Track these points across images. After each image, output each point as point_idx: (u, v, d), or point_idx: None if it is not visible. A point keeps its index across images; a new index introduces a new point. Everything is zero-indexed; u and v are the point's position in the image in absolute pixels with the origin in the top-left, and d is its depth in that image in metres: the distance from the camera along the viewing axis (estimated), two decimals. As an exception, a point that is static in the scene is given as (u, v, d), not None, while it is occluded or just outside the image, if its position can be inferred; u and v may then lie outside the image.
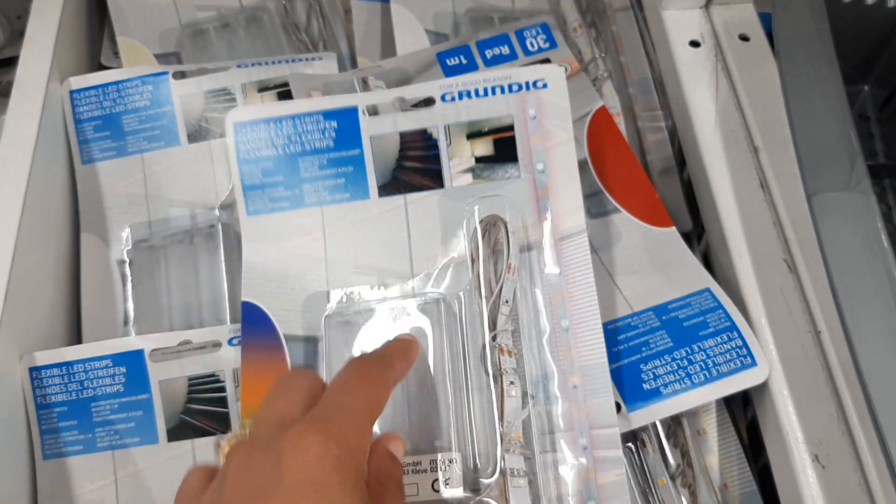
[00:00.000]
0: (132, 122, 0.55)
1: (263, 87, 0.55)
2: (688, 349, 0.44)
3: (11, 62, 0.73)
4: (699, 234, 0.53)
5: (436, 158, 0.46)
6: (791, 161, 0.48)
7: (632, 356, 0.45)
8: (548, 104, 0.46)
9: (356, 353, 0.44)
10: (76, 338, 0.52)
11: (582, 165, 0.50)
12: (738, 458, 0.45)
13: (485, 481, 0.41)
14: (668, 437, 0.45)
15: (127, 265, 0.52)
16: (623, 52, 0.58)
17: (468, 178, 0.46)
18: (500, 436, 0.41)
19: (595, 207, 0.49)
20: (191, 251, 0.52)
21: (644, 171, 0.50)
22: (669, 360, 0.44)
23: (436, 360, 0.43)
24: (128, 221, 0.53)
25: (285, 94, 0.54)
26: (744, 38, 0.53)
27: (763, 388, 0.43)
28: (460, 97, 0.46)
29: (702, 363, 0.44)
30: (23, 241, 0.47)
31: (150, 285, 0.52)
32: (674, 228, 0.48)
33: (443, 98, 0.46)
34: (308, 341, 0.44)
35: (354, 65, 0.59)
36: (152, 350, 0.46)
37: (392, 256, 0.45)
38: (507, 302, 0.43)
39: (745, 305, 0.44)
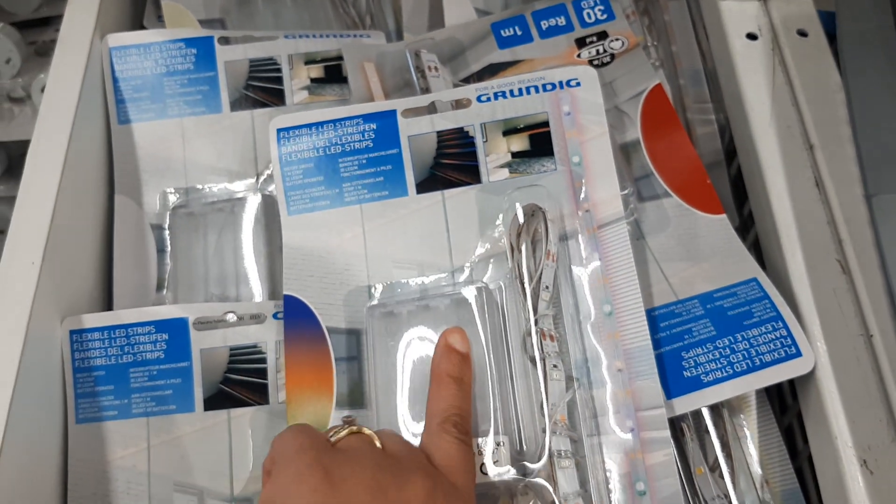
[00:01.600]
0: (173, 85, 0.54)
1: (310, 60, 0.54)
2: (731, 338, 0.44)
3: (47, 22, 0.73)
4: (745, 229, 0.52)
5: (472, 155, 0.47)
6: (847, 160, 0.47)
7: (673, 344, 0.44)
8: (581, 101, 0.47)
9: (401, 345, 0.44)
10: (107, 301, 0.51)
11: (634, 146, 0.50)
12: (780, 455, 0.44)
13: (530, 466, 0.40)
14: (708, 429, 0.44)
15: (164, 230, 0.52)
16: (675, 42, 0.58)
17: (505, 172, 0.46)
18: (547, 418, 0.40)
19: (646, 190, 0.49)
20: (231, 220, 0.51)
21: (697, 155, 0.50)
22: (711, 348, 0.44)
23: (480, 346, 0.43)
24: (164, 186, 0.53)
25: (333, 68, 0.54)
26: (802, 33, 0.52)
27: (812, 387, 0.42)
28: (496, 97, 0.47)
29: (744, 352, 0.43)
30: (62, 201, 0.47)
31: (188, 252, 0.51)
32: (724, 216, 0.48)
33: (479, 99, 0.47)
34: (351, 334, 0.45)
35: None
36: (196, 319, 0.45)
37: (431, 250, 0.46)
38: (547, 288, 0.43)
39: (796, 303, 0.44)
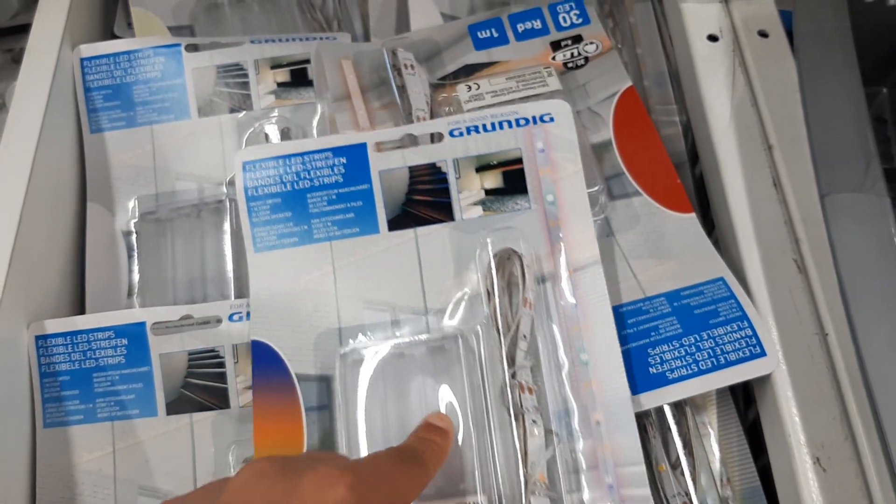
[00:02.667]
0: (142, 93, 0.55)
1: (276, 64, 0.55)
2: (696, 336, 0.44)
3: (24, 29, 0.73)
4: (709, 230, 0.52)
5: (445, 192, 0.46)
6: (805, 160, 0.47)
7: (640, 340, 0.44)
8: (555, 137, 0.46)
9: (375, 395, 0.43)
10: (79, 308, 0.52)
11: (606, 146, 0.50)
12: (741, 454, 0.45)
13: None
14: (671, 426, 0.45)
15: (133, 237, 0.52)
16: (640, 44, 0.58)
17: (478, 210, 0.45)
18: (525, 478, 0.40)
19: (616, 189, 0.49)
20: (197, 225, 0.52)
21: (668, 155, 0.50)
22: (678, 345, 0.44)
23: (456, 399, 0.42)
24: (135, 193, 0.53)
25: (298, 71, 0.54)
26: (763, 34, 0.53)
27: (767, 386, 0.43)
28: (468, 132, 0.46)
29: (710, 350, 0.43)
30: (29, 207, 0.47)
31: (156, 258, 0.52)
32: (693, 215, 0.48)
33: (451, 133, 0.46)
34: (321, 380, 0.43)
35: (368, 45, 0.59)
36: (154, 323, 0.46)
37: (405, 291, 0.44)
38: (524, 337, 0.42)
39: (754, 302, 0.44)
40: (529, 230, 0.45)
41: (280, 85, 0.54)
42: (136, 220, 0.53)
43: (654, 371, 0.43)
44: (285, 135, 0.53)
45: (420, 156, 0.46)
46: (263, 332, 0.44)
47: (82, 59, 0.55)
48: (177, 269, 0.51)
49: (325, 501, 0.29)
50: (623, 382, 0.42)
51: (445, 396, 0.42)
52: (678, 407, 0.45)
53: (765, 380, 0.43)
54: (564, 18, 0.56)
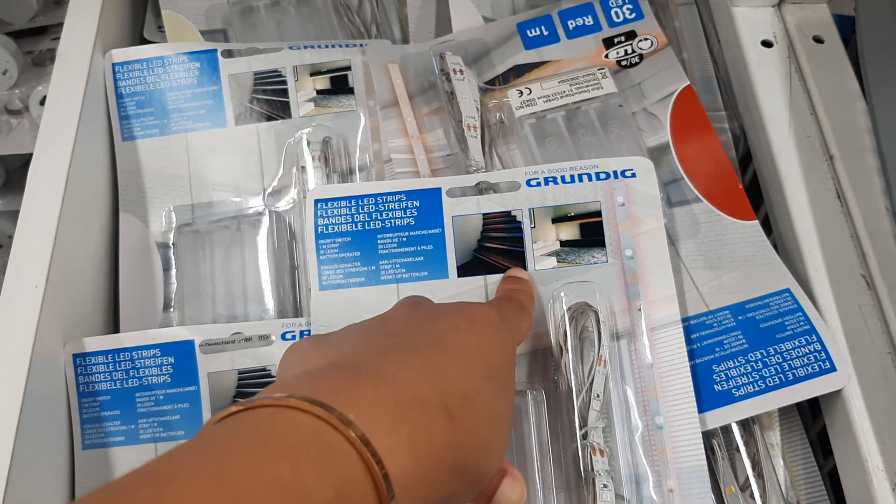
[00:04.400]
0: (177, 100, 0.53)
1: (316, 71, 0.53)
2: (763, 351, 0.43)
3: (44, 31, 0.71)
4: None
5: (519, 240, 0.44)
6: (868, 171, 0.46)
7: (704, 356, 0.43)
8: (637, 192, 0.44)
9: None
10: (114, 322, 0.50)
11: (663, 149, 0.49)
12: (808, 474, 0.43)
13: None
14: (739, 446, 0.43)
15: (170, 249, 0.51)
16: (685, 48, 0.56)
17: (552, 261, 0.44)
18: None
19: (675, 195, 0.48)
20: (237, 238, 0.50)
21: (728, 160, 0.48)
22: (744, 361, 0.43)
23: (525, 457, 0.40)
24: (169, 203, 0.52)
25: (339, 78, 0.53)
26: (818, 40, 0.51)
27: (839, 406, 0.41)
28: (546, 183, 0.45)
29: (777, 366, 0.42)
30: (65, 220, 0.46)
31: (194, 271, 0.50)
32: (756, 222, 0.46)
33: (528, 183, 0.45)
34: None
35: (408, 50, 0.57)
36: (202, 341, 0.44)
37: None
38: (597, 396, 0.40)
39: (822, 319, 0.43)
40: (606, 284, 0.43)
41: (320, 92, 0.52)
42: (171, 231, 0.51)
43: (720, 388, 0.42)
44: (326, 144, 0.51)
45: (495, 203, 0.45)
46: None
47: (114, 65, 0.53)
48: (216, 283, 0.50)
49: (479, 310, 0.33)
50: (700, 448, 0.40)
51: (511, 455, 0.40)
52: (745, 426, 0.44)
53: (836, 398, 0.41)
54: (617, 13, 0.54)
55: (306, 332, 0.44)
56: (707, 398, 0.42)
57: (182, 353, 0.44)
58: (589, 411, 0.40)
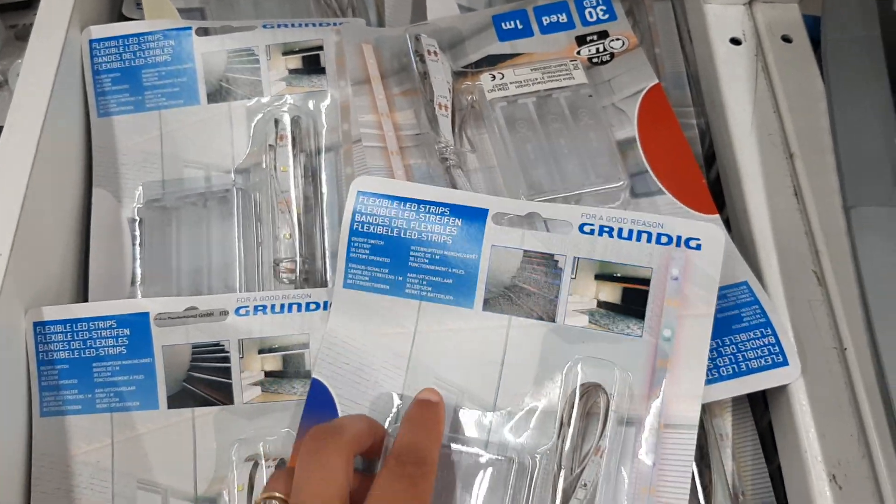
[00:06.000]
0: (151, 77, 0.54)
1: (288, 51, 0.53)
2: (718, 341, 0.43)
3: (28, 5, 0.72)
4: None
5: (555, 289, 0.42)
6: (827, 171, 0.46)
7: None
8: (696, 269, 0.41)
9: None
10: (82, 295, 0.51)
11: (630, 143, 0.50)
12: (756, 467, 0.44)
13: None
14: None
15: (137, 224, 0.51)
16: (658, 44, 0.57)
17: (584, 319, 0.41)
18: None
19: (639, 187, 0.48)
20: (204, 214, 0.51)
21: (693, 155, 0.49)
22: None
23: None
24: (141, 179, 0.52)
25: (311, 58, 0.53)
26: (786, 39, 0.52)
27: (783, 399, 0.42)
28: (601, 232, 0.42)
29: (731, 356, 0.42)
30: (33, 191, 0.46)
31: (160, 247, 0.50)
32: (718, 216, 0.47)
33: (580, 228, 0.42)
34: None
35: (383, 34, 0.58)
36: (158, 314, 0.45)
37: (478, 380, 0.41)
38: (584, 485, 0.38)
39: (776, 312, 0.43)
40: (632, 362, 0.40)
41: (291, 71, 0.53)
42: (140, 206, 0.52)
43: None
44: (296, 123, 0.52)
45: (540, 242, 0.42)
46: (326, 373, 0.43)
47: (91, 41, 0.54)
48: (181, 258, 0.50)
49: None
50: None
51: None
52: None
53: (781, 392, 0.42)
54: (591, 13, 0.55)
55: (260, 308, 0.44)
56: None
57: (137, 326, 0.45)
58: (571, 499, 0.38)
